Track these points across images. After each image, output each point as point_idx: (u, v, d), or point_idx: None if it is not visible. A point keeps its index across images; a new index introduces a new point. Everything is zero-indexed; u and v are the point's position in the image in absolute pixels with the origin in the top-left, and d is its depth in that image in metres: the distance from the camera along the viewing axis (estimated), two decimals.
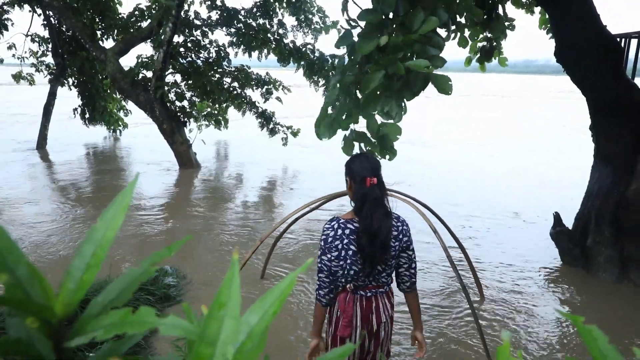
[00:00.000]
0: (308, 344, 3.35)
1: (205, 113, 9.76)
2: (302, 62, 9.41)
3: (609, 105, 4.56)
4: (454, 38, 5.21)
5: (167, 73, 8.85)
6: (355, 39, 3.00)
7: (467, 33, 5.07)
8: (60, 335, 0.34)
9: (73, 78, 11.54)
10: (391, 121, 3.02)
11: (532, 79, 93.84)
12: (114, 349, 0.38)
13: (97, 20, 10.16)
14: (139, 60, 9.13)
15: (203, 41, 9.72)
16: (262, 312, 0.33)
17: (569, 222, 5.01)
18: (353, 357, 2.11)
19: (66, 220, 6.00)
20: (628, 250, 4.52)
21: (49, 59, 11.82)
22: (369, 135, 3.12)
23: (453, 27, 4.92)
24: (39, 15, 10.91)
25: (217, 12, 9.56)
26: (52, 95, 11.36)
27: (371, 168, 1.94)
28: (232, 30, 9.54)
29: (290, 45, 9.50)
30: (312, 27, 9.97)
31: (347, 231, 1.97)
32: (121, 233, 5.53)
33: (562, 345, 3.46)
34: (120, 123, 12.76)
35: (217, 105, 9.95)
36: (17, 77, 12.32)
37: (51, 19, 10.68)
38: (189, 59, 9.64)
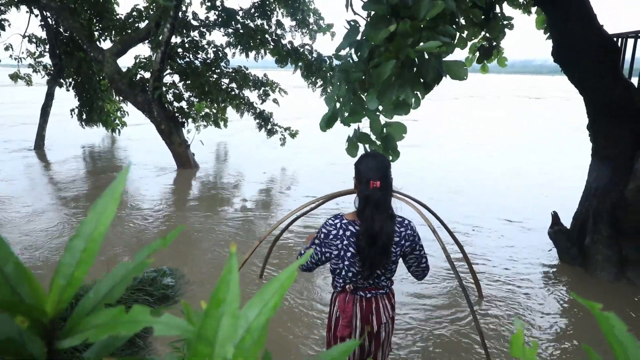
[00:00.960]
0: (305, 342, 3.34)
1: (203, 114, 9.74)
2: (300, 63, 9.40)
3: (607, 106, 4.56)
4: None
5: (165, 74, 8.83)
6: (359, 37, 2.98)
7: (465, 33, 5.07)
8: (52, 335, 0.33)
9: (70, 79, 11.51)
10: (396, 120, 3.00)
11: (530, 79, 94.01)
12: (106, 346, 0.37)
13: (94, 21, 10.13)
14: (137, 61, 9.11)
15: (201, 42, 9.71)
16: (261, 305, 0.32)
17: (567, 221, 5.01)
18: (353, 357, 2.10)
19: (62, 220, 5.97)
20: (626, 250, 4.53)
21: (47, 60, 11.78)
22: (372, 136, 3.09)
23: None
24: (36, 16, 10.88)
25: (215, 13, 9.55)
26: (49, 96, 11.33)
27: (376, 170, 1.93)
28: (230, 30, 9.52)
29: (288, 46, 9.50)
30: (310, 27, 9.96)
31: (347, 233, 1.97)
32: (118, 233, 5.51)
33: (561, 342, 3.46)
34: (118, 123, 12.73)
35: (215, 106, 9.94)
36: (15, 77, 12.29)
37: (48, 19, 10.65)
38: (187, 59, 9.63)
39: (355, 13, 2.87)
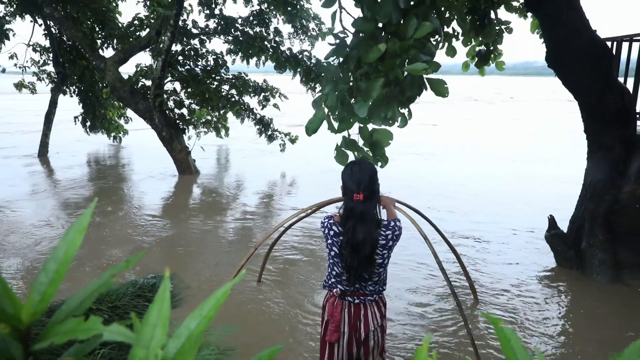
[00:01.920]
0: (295, 350, 3.40)
1: (203, 120, 9.85)
2: (299, 69, 9.50)
3: (601, 110, 4.60)
4: (441, 48, 5.27)
5: (165, 81, 8.94)
6: (348, 49, 3.06)
7: (455, 42, 5.13)
8: (28, 339, 0.40)
9: (74, 86, 11.66)
10: (383, 127, 3.08)
11: (531, 81, 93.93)
12: (79, 350, 0.44)
13: (96, 29, 10.27)
14: (138, 69, 9.23)
15: (201, 49, 9.83)
16: (200, 318, 0.39)
17: (565, 224, 5.05)
18: None
19: (63, 226, 6.06)
20: (621, 253, 4.57)
21: (50, 68, 11.94)
22: (360, 143, 3.18)
23: (442, 36, 4.99)
24: (40, 25, 11.04)
25: (214, 21, 9.67)
26: (53, 104, 11.48)
27: (358, 182, 2.00)
28: (230, 38, 9.64)
29: (287, 52, 9.60)
30: (308, 34, 10.07)
31: (331, 232, 2.06)
32: (118, 238, 5.60)
33: (559, 346, 3.50)
34: (120, 130, 12.87)
35: (216, 113, 10.05)
36: (19, 85, 12.45)
37: (52, 28, 10.81)
38: (188, 67, 9.74)
39: (344, 28, 2.96)
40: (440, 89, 2.78)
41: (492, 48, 5.96)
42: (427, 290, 4.39)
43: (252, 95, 9.93)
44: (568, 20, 4.43)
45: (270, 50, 9.51)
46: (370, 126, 3.11)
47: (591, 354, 3.41)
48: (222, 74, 9.88)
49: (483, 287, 4.47)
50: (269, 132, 10.15)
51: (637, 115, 5.19)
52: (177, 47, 9.52)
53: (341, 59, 3.12)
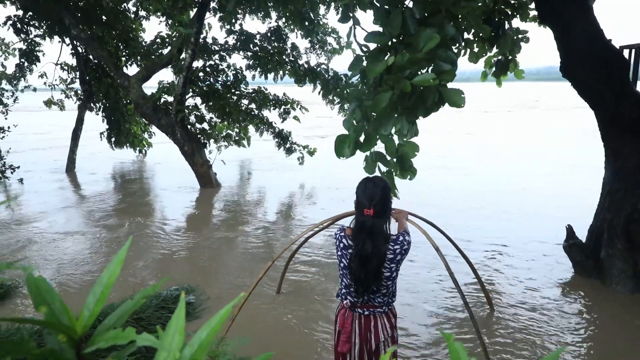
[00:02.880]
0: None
1: (224, 134, 10.09)
2: (318, 82, 9.67)
3: (617, 119, 4.60)
4: (464, 54, 5.32)
5: (187, 97, 9.22)
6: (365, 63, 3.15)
7: (476, 49, 5.19)
8: (80, 346, 0.51)
9: (99, 103, 12.10)
10: (409, 140, 3.14)
11: (555, 86, 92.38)
12: (116, 355, 0.55)
13: (121, 48, 10.68)
14: (161, 86, 9.54)
15: (221, 65, 10.10)
16: (208, 329, 0.49)
17: (584, 233, 5.02)
18: None
19: (91, 241, 6.30)
20: None
21: (77, 86, 12.43)
22: (387, 156, 3.22)
23: (462, 43, 5.05)
24: (68, 45, 11.54)
25: (233, 37, 9.94)
26: (79, 121, 11.92)
27: (370, 198, 2.09)
28: (249, 53, 9.89)
29: (305, 66, 9.79)
30: (325, 48, 10.25)
31: (341, 244, 2.17)
32: (143, 249, 5.79)
33: (575, 355, 3.50)
34: (144, 144, 13.26)
35: (236, 125, 10.29)
36: (49, 103, 13.01)
37: (78, 48, 11.27)
38: (208, 82, 10.02)
39: (359, 45, 3.05)
40: (456, 100, 2.76)
41: (510, 58, 5.99)
42: (442, 301, 4.42)
43: (272, 108, 10.13)
44: (582, 30, 4.46)
45: (289, 64, 9.72)
46: (396, 140, 3.15)
47: None
48: (242, 89, 10.13)
49: (500, 297, 4.47)
50: (287, 145, 10.32)
51: None
52: (198, 64, 9.82)
53: (358, 75, 3.22)
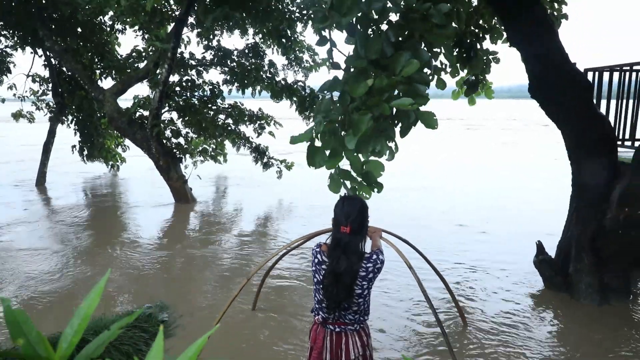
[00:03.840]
0: None
1: (200, 149, 10.02)
2: (294, 98, 9.74)
3: (582, 138, 4.79)
4: (431, 80, 5.46)
5: (163, 111, 9.14)
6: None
7: (444, 75, 5.34)
8: None
9: (72, 116, 11.85)
10: (373, 158, 3.21)
11: (527, 104, 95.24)
12: None
13: (95, 61, 10.54)
14: (136, 100, 9.44)
15: (198, 80, 10.08)
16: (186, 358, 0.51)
17: (554, 249, 5.17)
18: None
19: (59, 257, 6.13)
20: (607, 277, 4.68)
21: (49, 98, 12.16)
22: (353, 173, 3.29)
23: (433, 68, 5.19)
24: (40, 56, 11.31)
25: (211, 53, 9.95)
26: (51, 134, 11.65)
27: (347, 215, 2.14)
28: (226, 69, 9.91)
29: (282, 82, 9.86)
30: (302, 65, 10.36)
31: (316, 260, 2.21)
32: (115, 266, 5.66)
33: None
34: (117, 159, 13.03)
35: (213, 141, 10.24)
36: (17, 115, 12.64)
37: (52, 60, 11.07)
38: (185, 97, 9.97)
39: (338, 67, 3.12)
40: (430, 122, 2.89)
41: (480, 77, 6.19)
42: (415, 317, 4.47)
43: (247, 124, 10.14)
44: (548, 54, 4.65)
45: (266, 80, 9.77)
46: (361, 157, 3.22)
47: None
48: (219, 104, 10.11)
49: (472, 313, 4.55)
50: (265, 160, 10.32)
51: (619, 142, 5.39)
52: (174, 78, 9.77)
53: (335, 93, 3.28)
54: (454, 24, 4.13)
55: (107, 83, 10.42)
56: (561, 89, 4.69)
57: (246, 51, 9.86)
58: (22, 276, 5.41)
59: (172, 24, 8.83)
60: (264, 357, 3.73)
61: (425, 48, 3.35)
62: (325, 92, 3.32)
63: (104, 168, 13.50)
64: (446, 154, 17.71)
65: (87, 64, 10.18)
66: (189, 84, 9.96)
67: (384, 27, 3.34)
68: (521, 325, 4.31)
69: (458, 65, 5.79)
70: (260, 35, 10.02)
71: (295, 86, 9.81)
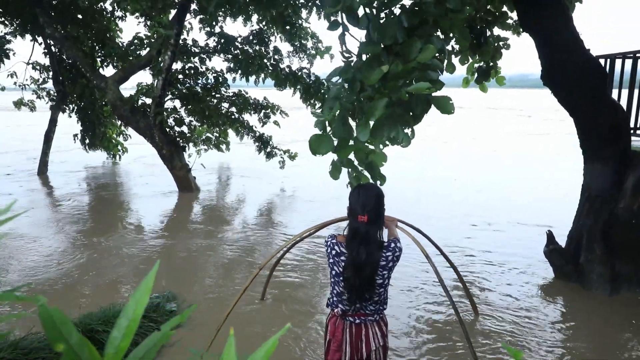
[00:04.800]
0: None
1: (204, 137, 9.93)
2: (299, 86, 9.62)
3: (596, 127, 4.71)
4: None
5: (166, 99, 9.03)
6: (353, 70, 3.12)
7: (454, 59, 5.24)
8: None
9: (73, 105, 11.74)
10: (377, 150, 3.14)
11: (528, 93, 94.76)
12: None
13: (97, 49, 10.40)
14: (139, 88, 9.33)
15: (201, 68, 9.95)
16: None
17: (563, 239, 5.12)
18: None
19: (65, 246, 6.08)
20: (619, 266, 4.62)
21: (50, 86, 12.04)
22: (356, 162, 3.23)
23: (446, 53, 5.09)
24: (40, 44, 11.16)
25: (214, 40, 9.81)
26: (52, 122, 11.55)
27: (364, 205, 2.07)
28: (230, 56, 9.77)
29: (287, 69, 9.73)
30: (307, 52, 10.21)
31: (333, 252, 2.13)
32: (120, 256, 5.62)
33: (556, 356, 3.54)
34: (120, 148, 12.95)
35: (216, 129, 10.13)
36: (18, 104, 12.54)
37: (52, 47, 10.93)
38: (188, 85, 9.85)
39: (349, 52, 3.03)
40: (446, 107, 2.79)
41: (491, 64, 6.08)
42: (426, 307, 4.42)
43: (252, 112, 10.03)
44: (562, 40, 4.55)
45: (270, 68, 9.64)
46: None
47: None
48: (222, 92, 9.99)
49: (483, 303, 4.50)
50: (268, 149, 10.23)
51: (632, 131, 5.30)
52: (177, 66, 9.64)
53: (346, 81, 3.19)
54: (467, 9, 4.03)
55: (108, 71, 10.31)
56: (575, 76, 4.60)
57: (250, 38, 9.72)
58: (22, 265, 5.37)
59: (175, 10, 8.68)
60: (277, 347, 3.68)
61: (438, 34, 3.26)
62: (337, 79, 3.24)
63: (106, 157, 13.43)
64: (456, 143, 17.61)
65: (88, 52, 10.04)
66: (192, 71, 9.83)
67: (397, 12, 3.24)
68: (532, 315, 4.27)
69: (468, 52, 5.70)
70: (264, 23, 9.87)
71: (300, 73, 9.67)
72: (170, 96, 9.53)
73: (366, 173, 3.20)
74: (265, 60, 9.60)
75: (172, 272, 5.33)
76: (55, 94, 11.60)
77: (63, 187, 10.04)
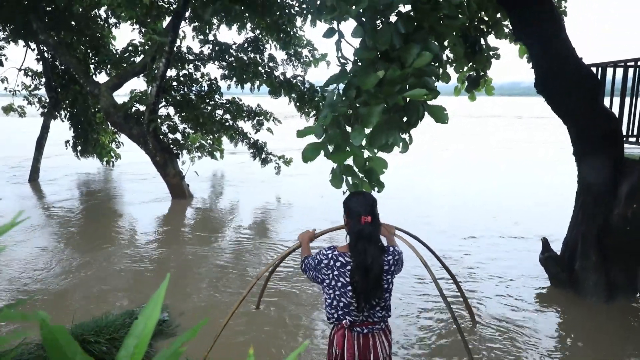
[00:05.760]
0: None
1: (197, 145, 9.88)
2: (293, 94, 9.62)
3: (588, 133, 4.74)
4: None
5: (160, 106, 8.99)
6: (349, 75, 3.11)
7: (449, 68, 5.27)
8: None
9: (66, 111, 11.65)
10: (377, 156, 3.13)
11: (519, 101, 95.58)
12: None
13: (90, 55, 10.35)
14: (133, 95, 9.28)
15: (195, 75, 9.92)
16: None
17: (560, 245, 5.12)
18: None
19: (55, 255, 5.99)
20: (614, 274, 4.63)
21: (41, 92, 11.93)
22: (355, 169, 3.21)
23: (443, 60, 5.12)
24: (33, 50, 11.09)
25: (209, 47, 9.80)
26: (44, 129, 11.44)
27: (366, 206, 2.06)
28: (224, 63, 9.76)
29: (281, 77, 9.74)
30: (302, 60, 10.23)
31: (338, 263, 2.09)
32: (111, 264, 5.54)
33: None
34: (112, 155, 12.84)
35: (210, 136, 10.09)
36: (8, 109, 12.39)
37: (45, 54, 10.86)
38: (182, 92, 9.81)
39: (345, 59, 3.03)
40: (440, 115, 2.80)
41: (482, 73, 6.12)
42: (424, 314, 4.40)
43: (245, 119, 10.01)
44: (555, 49, 4.58)
45: (265, 75, 9.64)
46: (365, 153, 3.14)
47: None
48: (216, 99, 9.97)
49: (480, 311, 4.49)
50: (263, 156, 10.20)
51: (624, 138, 5.34)
52: (171, 73, 9.61)
53: (342, 86, 3.18)
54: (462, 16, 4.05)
55: (102, 77, 10.26)
56: (568, 84, 4.63)
57: (245, 45, 9.72)
58: (13, 273, 5.28)
59: (169, 18, 8.67)
60: (273, 356, 3.64)
61: (434, 41, 3.27)
62: (333, 85, 3.23)
63: (98, 164, 13.32)
64: (449, 151, 17.67)
65: (81, 58, 9.99)
66: (187, 78, 9.80)
67: (393, 19, 3.25)
68: (528, 322, 4.26)
69: (462, 60, 5.73)
70: (258, 30, 9.88)
71: (294, 81, 9.68)
72: (164, 103, 9.48)
73: (365, 180, 3.18)
74: (259, 68, 9.61)
75: (163, 280, 5.25)
76: (48, 101, 11.50)
77: (54, 194, 9.92)
